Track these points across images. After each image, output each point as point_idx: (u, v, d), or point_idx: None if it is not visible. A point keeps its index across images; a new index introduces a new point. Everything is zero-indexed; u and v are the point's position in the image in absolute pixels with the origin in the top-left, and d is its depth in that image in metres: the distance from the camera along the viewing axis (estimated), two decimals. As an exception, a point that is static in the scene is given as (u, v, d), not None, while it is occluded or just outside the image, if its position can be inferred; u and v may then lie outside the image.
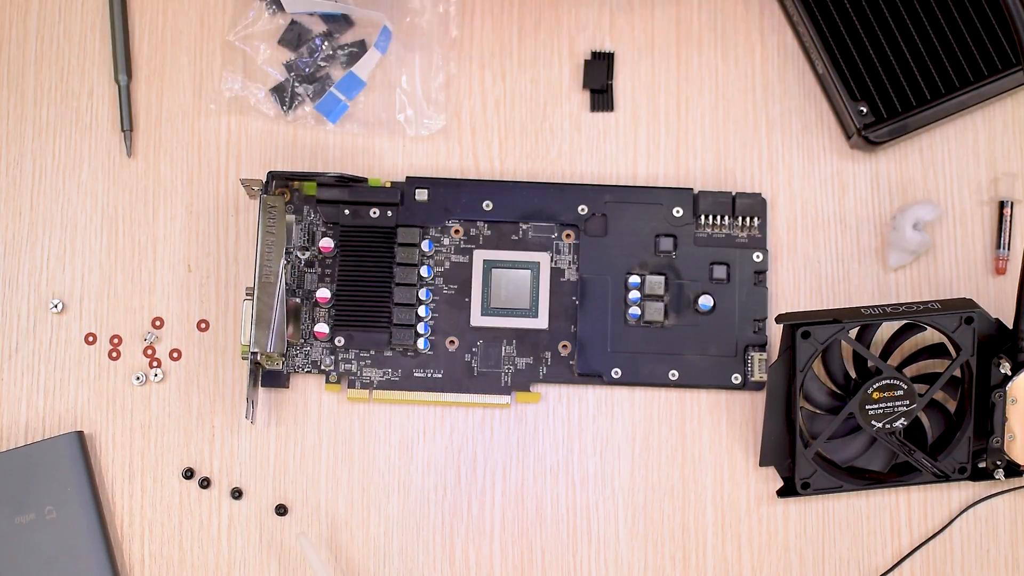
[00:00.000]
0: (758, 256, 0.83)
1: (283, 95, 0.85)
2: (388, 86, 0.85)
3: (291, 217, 0.82)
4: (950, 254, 0.84)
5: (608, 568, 0.81)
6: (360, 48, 0.86)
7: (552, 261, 0.83)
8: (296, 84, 0.85)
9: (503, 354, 0.82)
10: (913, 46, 0.83)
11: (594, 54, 0.86)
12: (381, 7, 0.86)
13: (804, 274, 0.84)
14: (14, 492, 0.79)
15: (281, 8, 0.85)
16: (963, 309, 0.78)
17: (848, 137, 0.84)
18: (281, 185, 0.83)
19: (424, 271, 0.82)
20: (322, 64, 0.85)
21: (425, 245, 0.82)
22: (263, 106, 0.85)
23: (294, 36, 0.86)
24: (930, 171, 0.85)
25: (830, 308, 0.83)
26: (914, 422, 0.80)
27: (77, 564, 0.79)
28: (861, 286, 0.84)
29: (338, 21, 0.86)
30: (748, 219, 0.83)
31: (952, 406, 0.81)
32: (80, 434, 0.81)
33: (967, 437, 0.80)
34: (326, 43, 0.86)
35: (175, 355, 0.83)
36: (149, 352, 0.83)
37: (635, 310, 0.82)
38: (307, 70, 0.85)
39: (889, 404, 0.78)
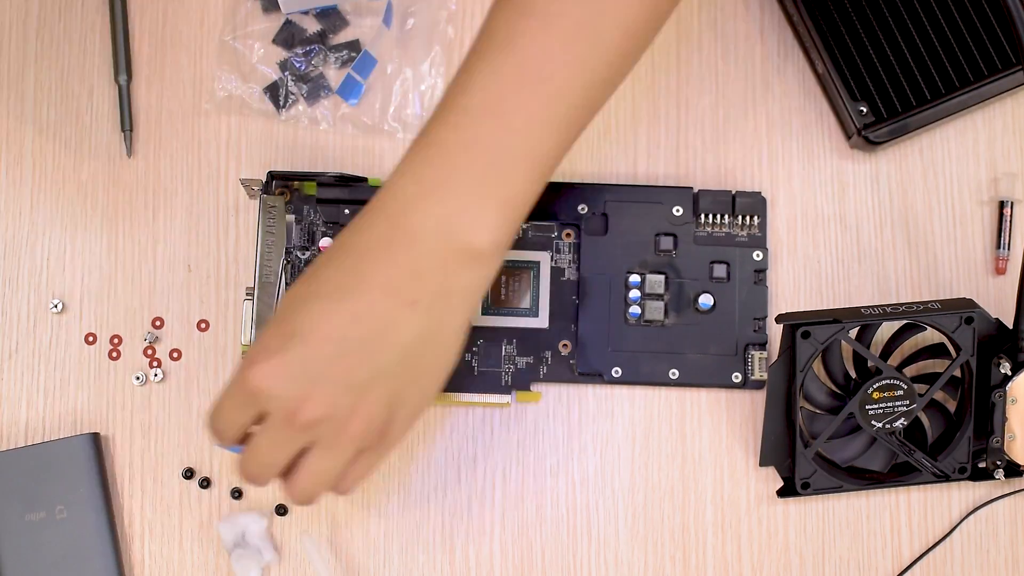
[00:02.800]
0: (758, 255, 0.83)
1: (277, 94, 0.85)
2: (387, 87, 0.85)
3: (291, 217, 0.82)
4: (950, 254, 0.84)
5: (608, 568, 0.81)
6: (354, 47, 0.86)
7: (552, 260, 0.83)
8: (290, 83, 0.85)
9: (503, 353, 0.82)
10: (913, 46, 0.83)
11: None
12: (381, 9, 0.86)
13: (804, 274, 0.84)
14: (26, 489, 0.79)
15: (276, 7, 0.85)
16: (963, 309, 0.78)
17: (848, 137, 0.84)
18: (281, 185, 0.83)
19: (424, 271, 0.82)
20: (316, 64, 0.85)
21: (425, 245, 0.82)
22: (257, 105, 0.85)
23: (288, 35, 0.86)
24: (930, 171, 0.85)
25: (830, 308, 0.83)
26: (914, 422, 0.80)
27: (84, 566, 0.78)
28: (861, 286, 0.84)
29: (332, 20, 0.86)
30: (748, 218, 0.83)
31: (952, 406, 0.81)
32: (96, 436, 0.80)
33: (967, 437, 0.80)
34: (320, 42, 0.86)
35: (175, 355, 0.83)
36: (149, 352, 0.83)
37: (635, 309, 0.82)
38: (301, 69, 0.85)
39: (889, 404, 0.78)
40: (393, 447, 0.69)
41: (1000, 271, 0.84)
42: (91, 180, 0.84)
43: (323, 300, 0.66)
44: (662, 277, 0.82)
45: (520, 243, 0.83)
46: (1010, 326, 0.79)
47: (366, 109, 0.85)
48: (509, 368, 0.82)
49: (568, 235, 0.83)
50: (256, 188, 0.82)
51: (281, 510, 0.81)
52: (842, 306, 0.84)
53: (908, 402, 0.78)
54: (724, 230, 0.83)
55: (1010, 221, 0.84)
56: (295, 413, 0.65)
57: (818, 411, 0.80)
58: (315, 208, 0.83)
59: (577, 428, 0.82)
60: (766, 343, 0.82)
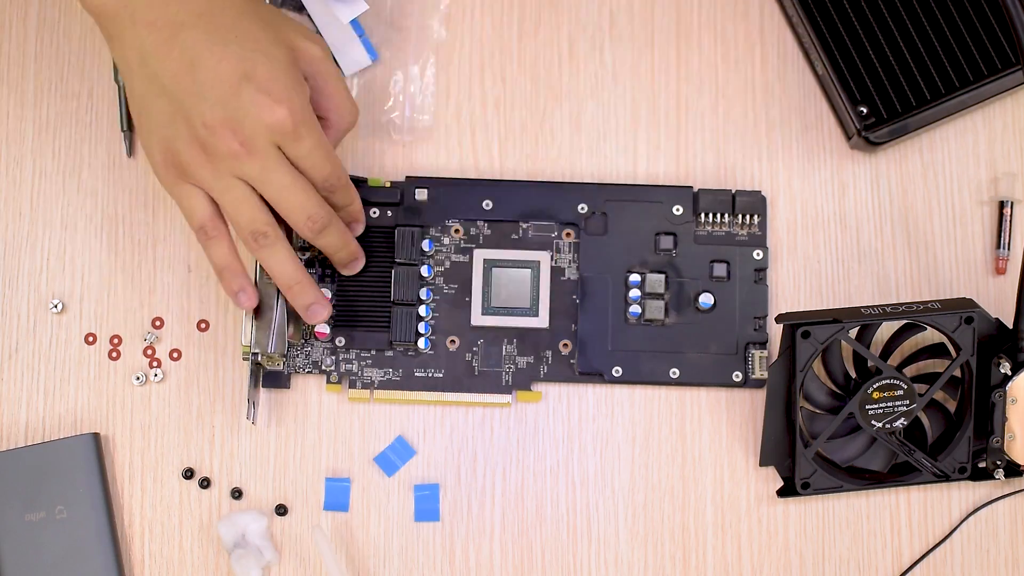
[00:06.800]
0: (758, 254, 0.83)
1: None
2: (386, 87, 0.85)
3: (291, 217, 0.82)
4: (950, 254, 0.84)
5: (608, 568, 0.81)
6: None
7: (552, 260, 0.83)
8: None
9: (504, 353, 0.82)
10: (913, 47, 0.83)
11: None
12: (379, 7, 0.86)
13: (804, 274, 0.84)
14: (26, 489, 0.79)
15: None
16: (963, 309, 0.78)
17: (848, 138, 0.84)
18: (281, 185, 0.83)
19: (424, 271, 0.82)
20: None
21: (425, 245, 0.82)
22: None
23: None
24: (930, 171, 0.85)
25: (830, 308, 0.83)
26: (914, 422, 0.80)
27: (84, 566, 0.78)
28: (861, 286, 0.84)
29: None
30: (748, 216, 0.83)
31: (952, 406, 0.81)
32: (96, 436, 0.80)
33: (967, 437, 0.80)
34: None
35: (175, 355, 0.83)
36: (149, 352, 0.83)
37: (635, 308, 0.82)
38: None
39: (889, 404, 0.78)
40: None
41: (1000, 271, 0.84)
42: (91, 180, 0.84)
43: None
44: (662, 276, 0.82)
45: (520, 242, 0.83)
46: (1010, 326, 0.79)
47: (362, 110, 0.85)
48: (509, 368, 0.82)
49: (568, 235, 0.83)
50: (256, 188, 0.82)
51: (281, 510, 0.81)
52: (842, 306, 0.84)
53: (908, 402, 0.78)
54: (724, 229, 0.83)
55: (1010, 221, 0.84)
56: None
57: (818, 411, 0.80)
58: (315, 208, 0.83)
59: (577, 428, 0.82)
60: (766, 342, 0.82)
